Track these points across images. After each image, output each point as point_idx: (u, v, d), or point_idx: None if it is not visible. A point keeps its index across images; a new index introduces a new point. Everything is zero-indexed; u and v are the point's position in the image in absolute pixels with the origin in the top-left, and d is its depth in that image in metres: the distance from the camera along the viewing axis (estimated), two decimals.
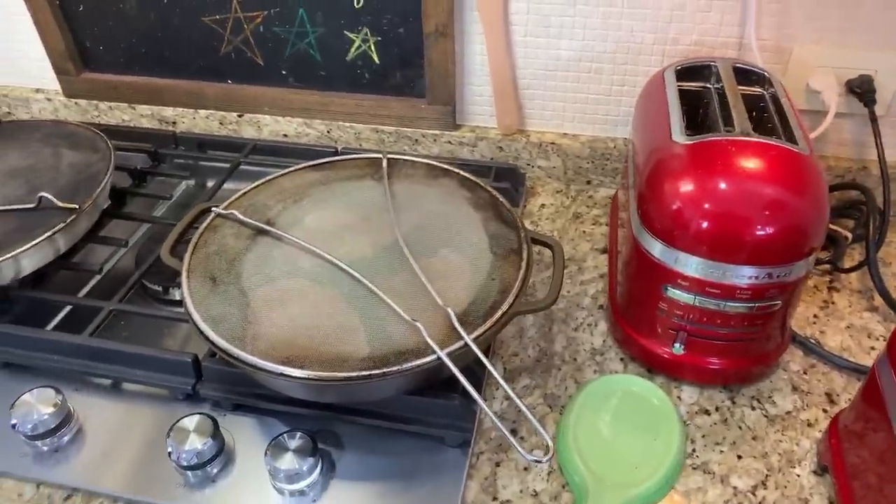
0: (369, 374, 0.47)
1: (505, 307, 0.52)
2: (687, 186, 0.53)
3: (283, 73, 0.85)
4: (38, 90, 0.95)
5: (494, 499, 0.50)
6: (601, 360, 0.61)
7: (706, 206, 0.51)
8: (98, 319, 0.60)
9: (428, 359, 0.48)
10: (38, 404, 0.53)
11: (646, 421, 0.54)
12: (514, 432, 0.55)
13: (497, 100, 0.80)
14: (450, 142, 0.84)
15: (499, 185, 0.78)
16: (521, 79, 0.79)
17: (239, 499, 0.50)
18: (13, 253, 0.59)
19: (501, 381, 0.48)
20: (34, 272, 0.63)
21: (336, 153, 0.83)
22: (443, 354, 0.48)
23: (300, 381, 0.47)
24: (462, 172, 0.67)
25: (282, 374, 0.48)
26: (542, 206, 0.81)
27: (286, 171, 0.68)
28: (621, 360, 0.61)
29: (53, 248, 0.63)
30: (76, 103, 0.93)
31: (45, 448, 0.53)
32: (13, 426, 0.52)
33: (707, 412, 0.57)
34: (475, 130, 0.84)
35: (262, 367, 0.48)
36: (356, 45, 0.80)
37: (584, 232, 0.76)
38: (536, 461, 0.44)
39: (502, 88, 0.79)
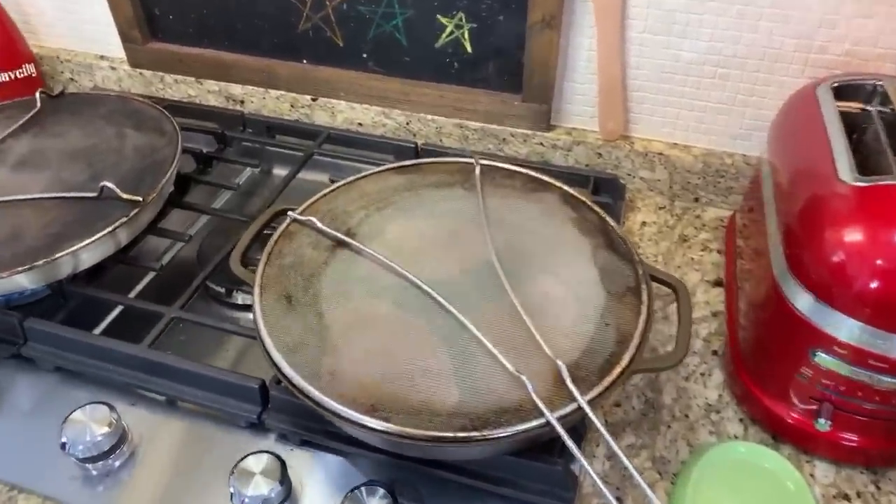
0: (466, 437, 0.40)
1: (625, 362, 0.45)
2: (855, 236, 0.44)
3: (364, 56, 0.77)
4: (102, 57, 0.90)
5: None
6: (717, 420, 0.53)
7: (878, 262, 0.42)
8: (159, 326, 0.54)
9: (535, 423, 0.41)
10: (92, 423, 0.48)
11: (772, 499, 0.46)
12: (619, 500, 0.48)
13: (602, 101, 0.72)
14: (542, 143, 0.76)
15: (597, 198, 0.70)
16: (631, 79, 0.70)
17: None
18: (73, 248, 0.54)
19: (620, 454, 0.40)
20: (91, 266, 0.58)
21: (417, 150, 0.75)
22: (553, 420, 0.41)
23: (384, 435, 0.41)
24: (566, 188, 0.59)
25: (364, 426, 0.41)
26: (644, 223, 0.72)
27: (368, 172, 0.61)
28: (741, 420, 0.53)
29: (114, 242, 0.58)
30: (140, 73, 0.88)
31: (96, 472, 0.48)
32: (62, 446, 0.47)
33: (847, 497, 0.48)
34: (572, 133, 0.75)
35: (343, 415, 0.41)
36: (448, 31, 0.72)
37: (691, 259, 0.68)
38: None
39: (609, 88, 0.70)
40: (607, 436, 0.40)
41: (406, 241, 0.54)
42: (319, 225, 0.54)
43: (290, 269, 0.51)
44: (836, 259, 0.44)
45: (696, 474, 0.48)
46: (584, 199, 0.58)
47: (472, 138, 0.78)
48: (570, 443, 0.40)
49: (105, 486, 0.48)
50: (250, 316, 0.48)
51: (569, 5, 0.67)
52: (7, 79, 0.85)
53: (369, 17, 0.74)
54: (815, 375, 0.47)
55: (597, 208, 0.57)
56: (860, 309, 0.43)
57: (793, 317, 0.46)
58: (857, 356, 0.44)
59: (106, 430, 0.48)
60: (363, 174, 0.61)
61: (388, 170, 0.61)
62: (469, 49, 0.73)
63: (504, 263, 0.52)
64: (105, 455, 0.48)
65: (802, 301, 0.46)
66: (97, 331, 0.58)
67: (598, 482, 0.39)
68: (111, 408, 0.49)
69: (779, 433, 0.52)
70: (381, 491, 0.44)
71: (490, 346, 0.45)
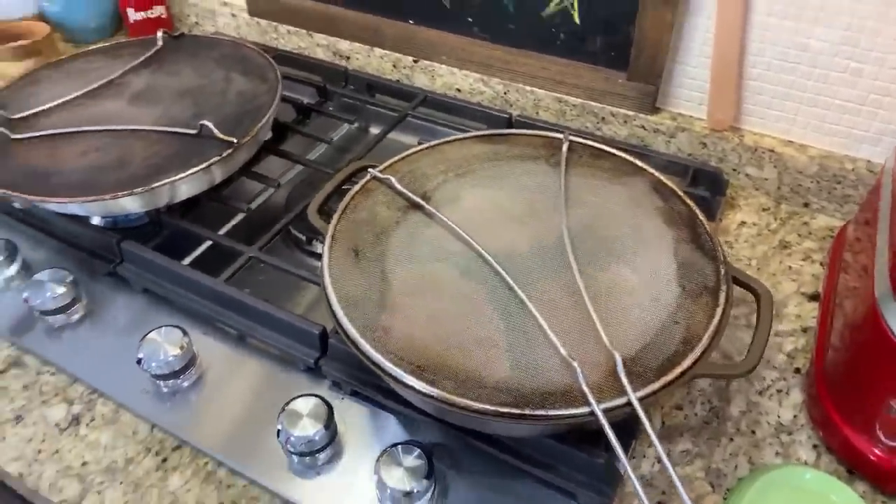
0: (506, 413, 0.40)
1: (686, 364, 0.42)
2: None
3: (469, 20, 0.76)
4: (224, 3, 0.94)
5: None
6: (787, 441, 0.49)
7: None
8: (236, 265, 0.57)
9: (579, 410, 0.39)
10: (166, 344, 0.51)
11: None
12: None
13: (714, 87, 0.67)
14: (643, 126, 0.72)
15: (694, 190, 0.66)
16: (749, 67, 0.65)
17: (340, 499, 0.45)
18: (171, 179, 0.57)
19: (663, 456, 0.38)
20: (186, 199, 0.61)
21: (510, 121, 0.74)
22: (598, 411, 0.39)
23: (426, 398, 0.41)
24: (657, 174, 0.56)
25: (408, 386, 0.41)
26: (742, 223, 0.67)
27: (454, 138, 0.60)
28: (815, 446, 0.49)
29: (208, 178, 0.61)
30: (258, 23, 0.91)
31: (166, 389, 0.52)
32: (139, 361, 0.51)
33: None
34: (677, 119, 0.71)
35: (389, 371, 0.42)
36: (556, 1, 0.70)
37: (789, 267, 0.63)
38: None
39: (723, 75, 0.66)
40: (653, 435, 0.38)
41: (479, 211, 0.53)
42: (397, 185, 0.54)
43: (363, 225, 0.52)
44: None
45: (752, 494, 0.44)
46: (675, 188, 0.55)
47: (571, 114, 0.75)
48: (612, 437, 0.39)
49: (172, 403, 0.51)
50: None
51: None
52: (140, 17, 0.91)
53: None
54: None
55: (688, 200, 0.54)
56: None
57: (890, 343, 0.42)
58: None
59: (177, 352, 0.51)
60: (448, 139, 0.60)
61: (473, 137, 0.61)
62: (577, 20, 0.70)
63: (576, 245, 0.50)
64: (175, 375, 0.51)
65: None
66: (185, 261, 0.62)
67: (635, 482, 0.37)
68: (184, 333, 0.52)
69: (856, 467, 0.47)
70: (418, 451, 0.44)
71: (546, 326, 0.44)
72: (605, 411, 0.39)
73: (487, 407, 0.40)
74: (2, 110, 0.63)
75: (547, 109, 0.76)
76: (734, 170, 0.70)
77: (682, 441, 0.49)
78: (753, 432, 0.50)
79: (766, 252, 0.64)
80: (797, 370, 0.54)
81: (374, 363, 0.43)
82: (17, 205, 0.59)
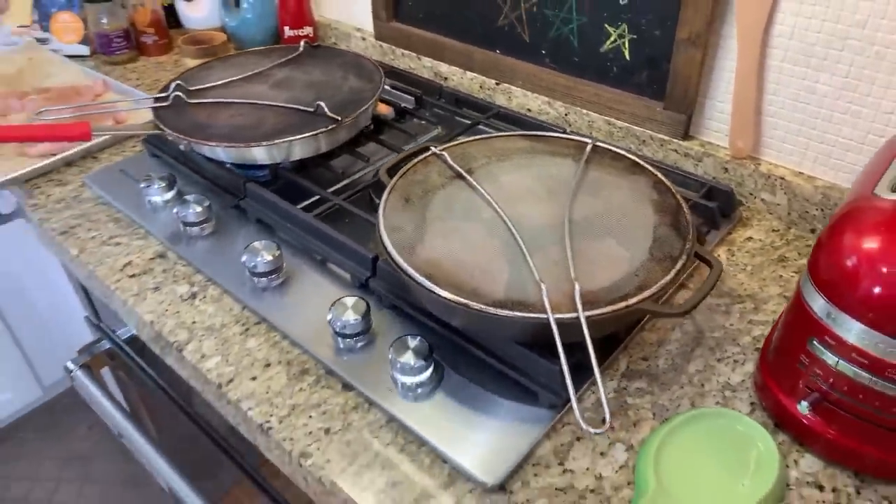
0: (486, 311, 0.54)
1: (632, 301, 0.54)
2: (870, 244, 0.48)
3: (543, 52, 0.93)
4: (358, 29, 1.17)
5: (560, 463, 0.54)
6: (729, 397, 0.59)
7: (884, 269, 0.47)
8: (324, 206, 0.75)
9: (536, 315, 0.53)
10: (264, 251, 0.70)
11: (740, 462, 0.52)
12: (606, 421, 0.57)
13: (734, 120, 0.78)
14: (676, 150, 0.84)
15: (706, 202, 0.77)
16: (767, 104, 0.76)
17: (366, 373, 0.61)
18: (287, 139, 0.77)
19: (591, 351, 0.50)
20: (299, 160, 0.81)
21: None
22: (551, 316, 0.52)
23: (433, 295, 0.56)
24: (658, 175, 0.68)
25: (421, 286, 0.57)
26: (749, 239, 0.77)
27: (501, 133, 0.76)
28: (751, 404, 0.58)
29: (316, 145, 0.80)
30: (380, 45, 1.13)
31: (258, 284, 0.70)
32: (242, 262, 0.70)
33: (820, 488, 0.52)
34: (704, 146, 0.82)
35: (409, 273, 0.57)
36: (612, 38, 0.84)
37: (780, 276, 0.72)
38: (588, 430, 0.46)
39: (743, 110, 0.77)
40: (590, 345, 0.51)
41: (508, 187, 0.68)
42: (448, 159, 0.71)
43: (416, 184, 0.69)
44: (848, 262, 0.49)
45: (679, 420, 0.55)
46: (670, 186, 0.67)
47: (617, 135, 0.89)
48: (557, 337, 0.52)
49: (260, 294, 0.69)
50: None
51: (717, 28, 0.75)
52: (293, 34, 1.15)
53: (552, 20, 0.89)
54: (810, 364, 0.52)
55: (678, 196, 0.66)
56: (859, 310, 0.48)
57: (804, 312, 0.52)
58: (845, 350, 0.49)
59: (270, 258, 0.69)
60: (498, 134, 0.76)
61: (517, 134, 0.76)
62: (627, 56, 0.84)
63: (574, 217, 0.64)
64: (265, 274, 0.70)
65: (815, 299, 0.51)
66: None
67: (567, 374, 0.50)
68: (278, 247, 0.71)
69: (782, 423, 0.56)
70: (420, 338, 0.59)
71: (530, 260, 0.58)
72: (558, 321, 0.53)
73: (476, 304, 0.54)
74: (182, 83, 0.87)
75: (599, 130, 0.90)
76: (750, 194, 0.80)
77: (638, 381, 0.61)
78: (703, 385, 0.60)
79: (763, 262, 0.74)
80: (757, 350, 0.63)
81: (400, 269, 0.58)
82: (182, 147, 0.82)
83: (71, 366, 0.91)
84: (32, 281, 1.35)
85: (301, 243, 0.74)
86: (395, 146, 0.89)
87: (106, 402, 0.86)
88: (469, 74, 1.02)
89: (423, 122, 0.98)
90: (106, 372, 0.96)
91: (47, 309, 1.40)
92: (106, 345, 0.93)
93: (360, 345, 0.63)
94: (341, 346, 0.63)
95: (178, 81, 0.87)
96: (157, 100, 0.85)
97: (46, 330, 1.46)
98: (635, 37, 0.82)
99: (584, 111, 0.91)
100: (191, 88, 0.87)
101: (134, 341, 0.89)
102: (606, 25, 0.84)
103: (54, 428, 1.61)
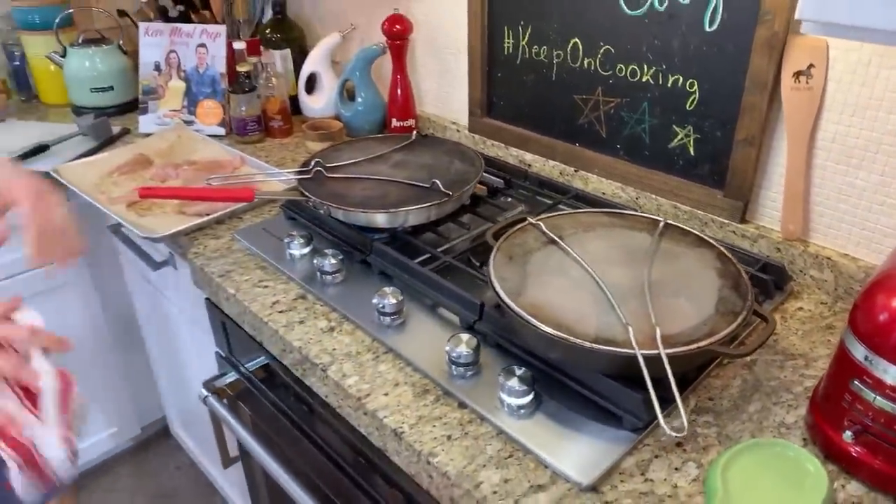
0: (580, 345, 0.67)
1: (704, 343, 0.67)
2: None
3: (617, 146, 1.10)
4: (453, 122, 1.37)
5: (642, 473, 0.65)
6: (784, 433, 0.70)
7: None
8: (435, 263, 0.91)
9: (625, 350, 0.66)
10: (390, 295, 0.86)
11: (794, 481, 0.62)
12: (679, 445, 0.69)
13: (786, 208, 0.92)
14: (734, 231, 0.98)
15: (761, 275, 0.89)
16: (814, 195, 0.90)
17: (477, 395, 0.74)
18: (406, 209, 0.95)
19: (672, 381, 0.63)
20: (412, 226, 0.98)
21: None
22: (638, 352, 0.66)
23: (537, 330, 0.70)
24: (721, 248, 0.82)
25: (528, 323, 0.71)
26: (800, 308, 0.89)
27: (587, 210, 0.92)
28: (804, 440, 0.69)
29: (427, 214, 0.98)
30: (473, 136, 1.32)
31: (384, 322, 0.85)
32: (373, 303, 0.85)
33: None
34: (759, 228, 0.96)
35: (518, 313, 0.72)
36: (679, 137, 1.01)
37: (828, 340, 0.83)
38: (672, 434, 0.58)
39: (793, 200, 0.91)
40: (671, 378, 0.64)
41: (594, 252, 0.83)
42: (543, 227, 0.86)
43: (517, 246, 0.84)
44: (881, 318, 0.61)
45: (743, 446, 0.66)
46: (731, 257, 0.81)
47: (682, 217, 1.03)
48: (644, 368, 0.65)
49: (388, 329, 0.84)
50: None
51: (769, 132, 0.91)
52: (398, 125, 1.36)
53: (626, 120, 1.06)
54: (853, 401, 0.63)
55: (738, 265, 0.79)
56: (892, 355, 0.60)
57: (847, 358, 0.64)
58: (880, 386, 0.60)
59: (394, 302, 0.85)
60: (582, 210, 0.92)
61: (601, 211, 0.92)
62: (692, 152, 1.00)
63: (652, 278, 0.78)
64: (391, 314, 0.85)
65: (856, 347, 0.63)
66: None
67: (654, 396, 0.62)
68: (401, 293, 0.86)
69: (829, 453, 0.67)
70: (524, 369, 0.73)
71: (616, 306, 0.71)
72: (643, 356, 0.66)
73: (574, 339, 0.68)
74: (321, 160, 1.07)
75: (666, 213, 1.05)
76: (801, 270, 0.93)
77: (706, 416, 0.72)
78: (761, 422, 0.71)
79: (812, 328, 0.85)
80: (807, 398, 0.74)
81: (510, 309, 0.73)
82: (321, 211, 1.00)
83: (204, 392, 1.07)
84: (165, 323, 1.54)
85: (417, 291, 0.90)
86: (489, 217, 1.05)
87: (235, 422, 1.00)
88: (551, 162, 1.20)
89: (511, 199, 1.15)
90: (230, 400, 1.11)
91: (170, 349, 1.58)
92: (234, 376, 1.09)
93: (469, 373, 0.77)
94: (455, 372, 0.77)
95: (318, 159, 1.07)
96: (300, 172, 1.04)
97: (163, 366, 1.63)
98: (699, 136, 0.98)
99: (653, 196, 1.06)
100: (327, 165, 1.07)
101: (259, 372, 1.05)
102: (674, 126, 1.01)
103: (146, 465, 1.76)
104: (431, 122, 1.41)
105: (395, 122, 1.37)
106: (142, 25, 1.51)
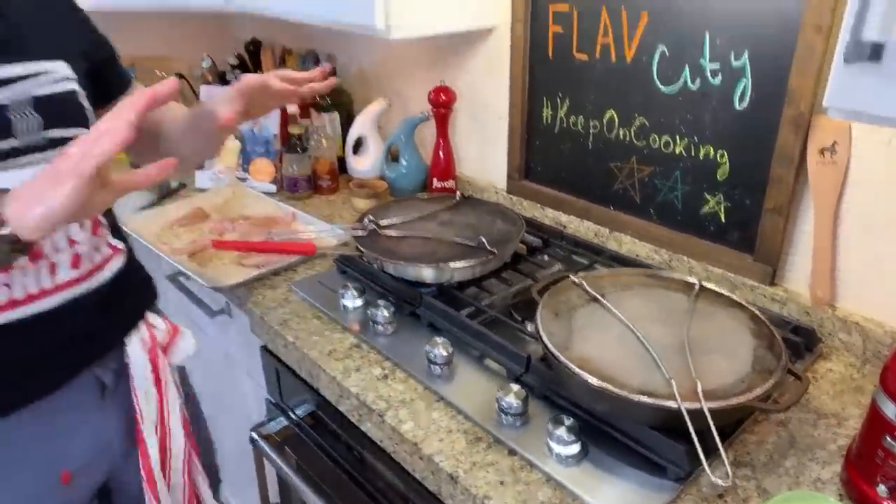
0: (623, 395, 0.73)
1: (742, 399, 0.72)
2: None
3: (651, 211, 1.16)
4: (492, 184, 1.45)
5: None
6: (819, 488, 0.74)
7: None
8: (482, 318, 0.97)
9: (667, 402, 0.71)
10: (441, 346, 0.91)
11: None
12: (720, 496, 0.73)
13: (813, 274, 0.98)
14: (763, 295, 1.03)
15: (792, 337, 0.94)
16: (840, 262, 0.96)
17: (526, 443, 0.79)
18: (454, 265, 1.01)
19: (715, 432, 0.68)
20: (457, 281, 1.05)
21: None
22: (682, 405, 0.71)
23: (585, 382, 0.75)
24: (754, 310, 0.88)
25: (575, 374, 0.76)
26: (830, 370, 0.93)
27: (626, 270, 0.98)
28: (839, 495, 0.73)
29: (473, 271, 1.04)
30: (511, 198, 1.40)
31: (435, 371, 0.91)
32: (425, 352, 0.91)
33: None
34: (788, 292, 1.02)
35: (566, 365, 0.77)
36: (710, 204, 1.08)
37: (859, 401, 0.87)
38: (717, 481, 0.63)
39: (820, 266, 0.97)
40: (714, 429, 0.68)
41: (634, 310, 0.89)
42: (585, 285, 0.93)
43: (562, 302, 0.90)
44: None
45: (779, 497, 0.70)
46: (764, 319, 0.86)
47: (714, 279, 1.09)
48: (687, 418, 0.69)
49: (438, 379, 0.90)
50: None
51: (797, 202, 0.97)
52: (439, 185, 1.45)
53: (660, 188, 1.14)
54: (885, 457, 0.67)
55: (771, 327, 0.85)
56: None
57: (879, 416, 0.68)
58: None
59: (444, 353, 0.91)
60: (622, 269, 0.98)
61: (640, 272, 0.98)
62: (723, 219, 1.07)
63: (691, 337, 0.83)
64: (442, 364, 0.91)
65: (887, 405, 0.68)
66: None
67: (698, 446, 0.67)
68: (451, 345, 0.92)
69: None
70: (573, 419, 0.78)
71: (662, 365, 0.77)
72: (687, 409, 0.71)
73: (621, 391, 0.73)
74: (373, 217, 1.15)
75: (698, 275, 1.11)
76: (829, 334, 0.97)
77: (744, 469, 0.76)
78: (797, 477, 0.75)
79: (842, 388, 0.90)
80: (842, 455, 0.78)
81: (559, 361, 0.78)
82: (375, 265, 1.07)
83: (253, 435, 1.12)
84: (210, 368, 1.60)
85: (464, 342, 0.96)
86: (529, 274, 1.12)
87: (284, 465, 1.05)
88: (586, 223, 1.27)
89: (549, 258, 1.21)
90: (277, 445, 1.16)
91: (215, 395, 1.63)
92: (282, 422, 1.14)
93: (519, 423, 0.82)
94: (505, 421, 0.82)
95: (370, 216, 1.15)
96: (355, 229, 1.12)
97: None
98: (729, 204, 1.05)
99: (686, 258, 1.12)
100: (380, 222, 1.15)
101: (309, 419, 1.10)
102: (706, 194, 1.08)
103: None
104: (470, 183, 1.49)
105: (436, 183, 1.46)
106: (203, 89, 1.63)
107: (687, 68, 1.04)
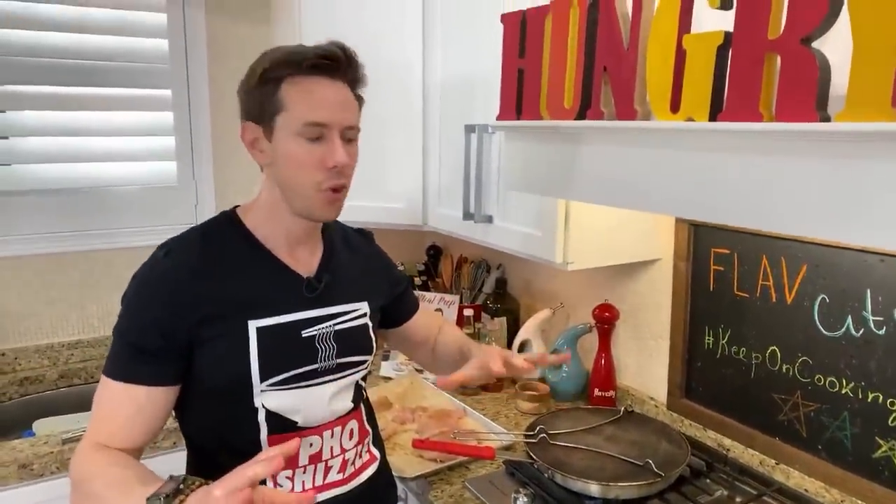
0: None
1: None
2: None
3: (819, 447, 1.18)
4: (651, 398, 1.53)
5: None
6: None
7: None
8: None
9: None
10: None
11: None
12: None
13: None
14: None
15: None
16: None
17: None
18: (621, 484, 1.09)
19: None
20: (623, 499, 1.12)
21: None
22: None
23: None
24: None
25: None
26: None
27: None
28: None
29: (638, 491, 1.11)
30: (670, 413, 1.47)
31: None
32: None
33: None
34: None
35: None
36: (883, 449, 1.08)
37: None
38: None
39: None
40: None
41: None
42: None
43: None
44: None
45: None
46: None
47: None
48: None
49: None
50: None
51: None
52: (600, 395, 1.55)
53: (827, 425, 1.16)
54: None
55: None
56: None
57: None
58: None
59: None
60: None
61: None
62: None
63: None
64: None
65: None
66: None
67: None
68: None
69: None
70: None
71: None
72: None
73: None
74: (544, 426, 1.27)
75: None
76: None
77: None
78: None
79: None
80: None
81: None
82: (546, 475, 1.17)
83: None
84: None
85: None
86: (692, 498, 1.16)
87: None
88: (750, 451, 1.29)
89: (711, 482, 1.24)
90: None
91: None
92: None
93: None
94: None
95: (542, 426, 1.27)
96: (527, 436, 1.25)
97: None
98: None
99: (859, 501, 1.11)
100: (549, 431, 1.26)
101: None
102: (877, 438, 1.09)
103: None
104: (630, 394, 1.58)
105: (597, 392, 1.56)
106: None
107: (850, 318, 1.12)
